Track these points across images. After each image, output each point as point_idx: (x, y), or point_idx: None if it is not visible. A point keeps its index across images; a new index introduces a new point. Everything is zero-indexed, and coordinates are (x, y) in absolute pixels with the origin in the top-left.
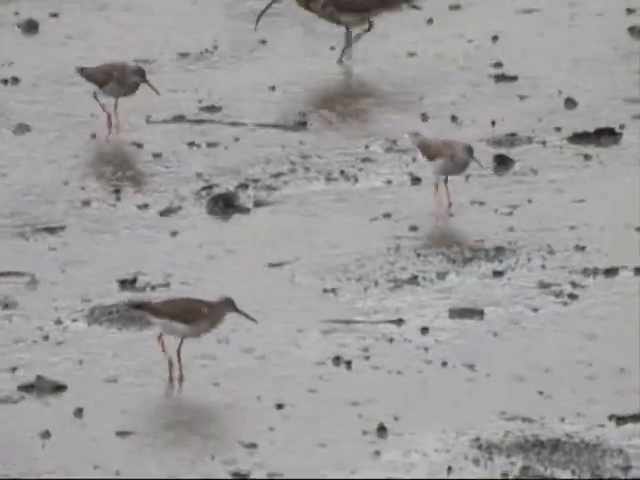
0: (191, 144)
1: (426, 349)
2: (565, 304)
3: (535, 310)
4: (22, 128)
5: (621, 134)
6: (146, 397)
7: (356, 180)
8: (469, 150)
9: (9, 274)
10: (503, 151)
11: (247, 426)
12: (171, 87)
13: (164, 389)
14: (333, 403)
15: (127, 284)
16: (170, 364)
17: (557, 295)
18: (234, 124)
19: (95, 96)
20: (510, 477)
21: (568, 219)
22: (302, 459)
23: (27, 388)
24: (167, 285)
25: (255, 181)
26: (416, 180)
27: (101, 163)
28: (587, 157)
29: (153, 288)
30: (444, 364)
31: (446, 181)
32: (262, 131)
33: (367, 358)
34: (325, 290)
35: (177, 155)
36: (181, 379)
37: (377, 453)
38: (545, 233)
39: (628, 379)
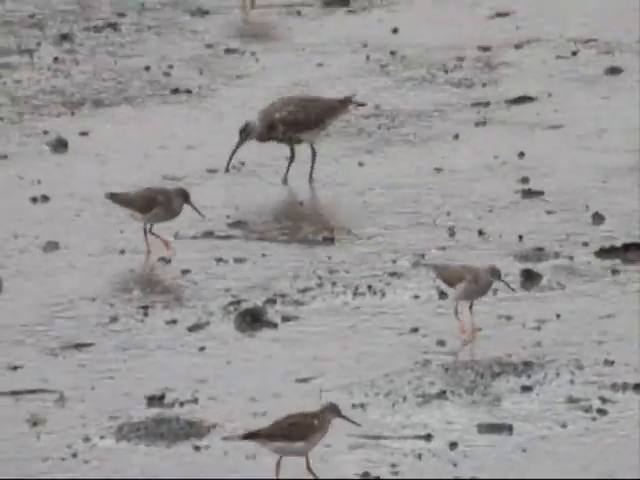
0: (219, 260)
1: (455, 465)
2: (594, 419)
3: (564, 426)
4: (51, 246)
5: None
6: None
7: (383, 295)
8: (494, 273)
9: (38, 391)
10: (530, 266)
11: None
12: (199, 203)
13: None
14: None
15: (155, 400)
16: None
17: (586, 410)
18: (261, 239)
19: (147, 231)
20: None
21: (596, 334)
22: None
23: None
24: (195, 401)
25: (283, 296)
26: (443, 295)
27: (129, 279)
28: (615, 272)
29: (182, 404)
30: None
31: (471, 306)
32: (289, 246)
33: (396, 474)
34: (353, 405)
35: (205, 271)
36: None
37: None
38: (573, 348)
39: None
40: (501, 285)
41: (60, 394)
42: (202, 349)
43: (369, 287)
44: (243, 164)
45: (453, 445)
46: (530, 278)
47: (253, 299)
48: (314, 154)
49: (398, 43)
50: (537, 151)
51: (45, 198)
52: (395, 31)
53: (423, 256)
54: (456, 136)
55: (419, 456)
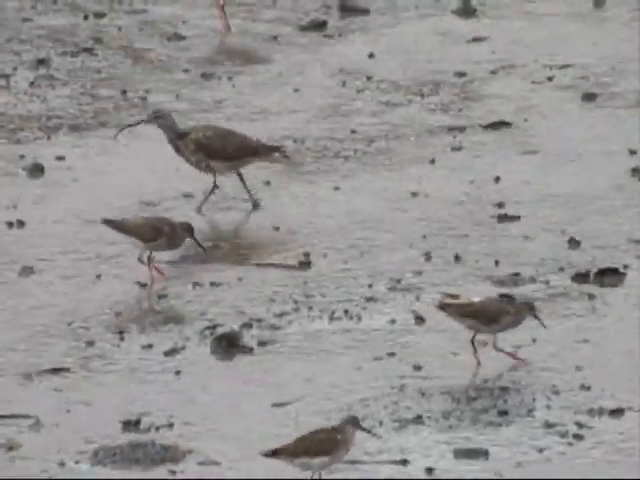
0: (195, 284)
1: None
2: (570, 444)
3: (540, 451)
4: (26, 271)
5: (625, 274)
6: None
7: (360, 319)
8: (532, 308)
9: (13, 416)
10: (506, 290)
11: None
12: None
13: None
14: None
15: (131, 425)
16: None
17: (562, 435)
18: (237, 263)
19: (146, 261)
20: None
21: (572, 359)
22: None
23: None
24: (170, 426)
25: (259, 320)
26: (420, 319)
27: (105, 303)
28: (591, 297)
29: (157, 429)
30: None
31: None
32: (265, 270)
33: None
34: None
35: (181, 295)
36: None
37: None
38: (549, 373)
39: None
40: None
41: (36, 419)
42: (178, 373)
43: (345, 311)
44: (218, 187)
45: (429, 470)
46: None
47: (229, 323)
48: (215, 186)
49: (374, 68)
50: (513, 176)
51: (21, 223)
52: (371, 56)
53: (399, 281)
54: (432, 161)
55: None
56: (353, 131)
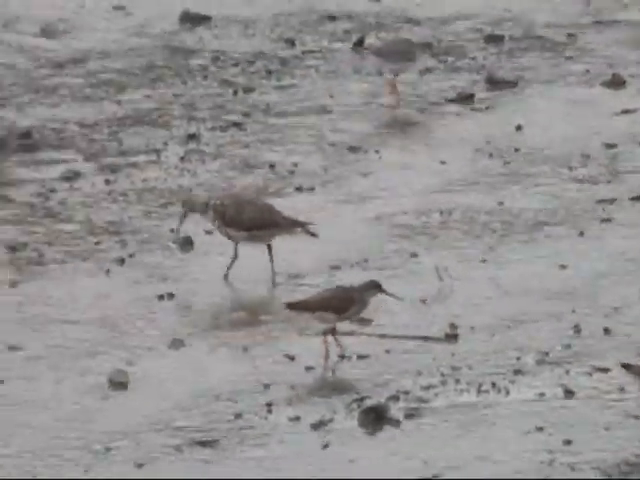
0: (342, 357)
1: None
2: None
3: None
4: (177, 343)
5: None
6: None
7: (507, 392)
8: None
9: None
10: None
11: None
12: None
13: None
14: None
15: None
16: None
17: None
18: (384, 336)
19: (331, 334)
20: None
21: None
22: None
23: None
24: None
25: (406, 393)
26: (569, 393)
27: (253, 376)
28: None
29: None
30: None
31: None
32: (412, 343)
33: None
34: None
35: (330, 367)
36: None
37: None
38: None
39: None
40: None
41: None
42: (325, 447)
43: (493, 384)
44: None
45: None
46: None
47: (376, 396)
48: (236, 255)
49: (521, 140)
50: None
51: (171, 295)
52: (519, 128)
53: (547, 354)
54: (581, 233)
55: None
56: (500, 203)
